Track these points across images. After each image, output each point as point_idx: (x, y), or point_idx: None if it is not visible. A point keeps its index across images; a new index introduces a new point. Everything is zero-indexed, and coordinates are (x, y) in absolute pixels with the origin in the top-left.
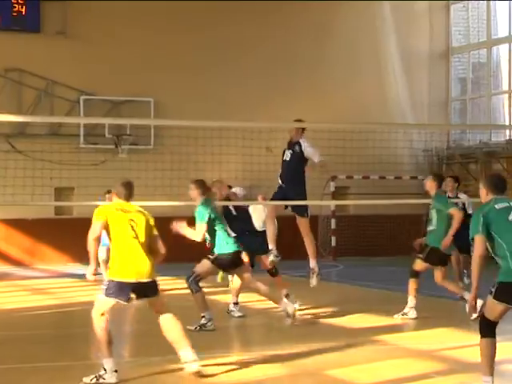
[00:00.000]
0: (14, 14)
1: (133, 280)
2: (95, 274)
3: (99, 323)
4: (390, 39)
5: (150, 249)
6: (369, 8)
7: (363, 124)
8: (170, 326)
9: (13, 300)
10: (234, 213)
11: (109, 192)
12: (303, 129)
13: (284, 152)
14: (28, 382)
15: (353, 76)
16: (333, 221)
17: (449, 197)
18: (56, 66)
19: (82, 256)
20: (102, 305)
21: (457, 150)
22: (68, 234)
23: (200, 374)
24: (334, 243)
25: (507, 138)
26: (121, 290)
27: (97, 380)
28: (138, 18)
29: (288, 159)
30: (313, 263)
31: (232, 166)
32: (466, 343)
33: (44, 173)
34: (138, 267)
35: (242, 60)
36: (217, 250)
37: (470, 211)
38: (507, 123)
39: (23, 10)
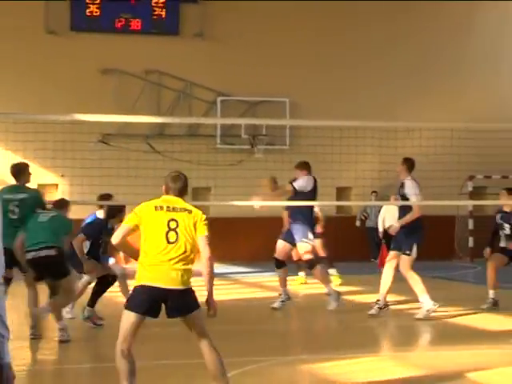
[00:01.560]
0: (154, 17)
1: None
2: None
3: None
4: None
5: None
6: None
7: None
8: None
9: None
10: None
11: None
12: (412, 166)
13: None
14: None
15: (494, 76)
16: (470, 221)
17: None
18: (194, 67)
19: (221, 256)
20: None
21: None
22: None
23: None
24: (471, 244)
25: None
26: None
27: None
28: (273, 19)
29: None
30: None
31: (368, 166)
32: None
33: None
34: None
35: (379, 60)
36: None
37: None
38: None
39: (163, 14)
